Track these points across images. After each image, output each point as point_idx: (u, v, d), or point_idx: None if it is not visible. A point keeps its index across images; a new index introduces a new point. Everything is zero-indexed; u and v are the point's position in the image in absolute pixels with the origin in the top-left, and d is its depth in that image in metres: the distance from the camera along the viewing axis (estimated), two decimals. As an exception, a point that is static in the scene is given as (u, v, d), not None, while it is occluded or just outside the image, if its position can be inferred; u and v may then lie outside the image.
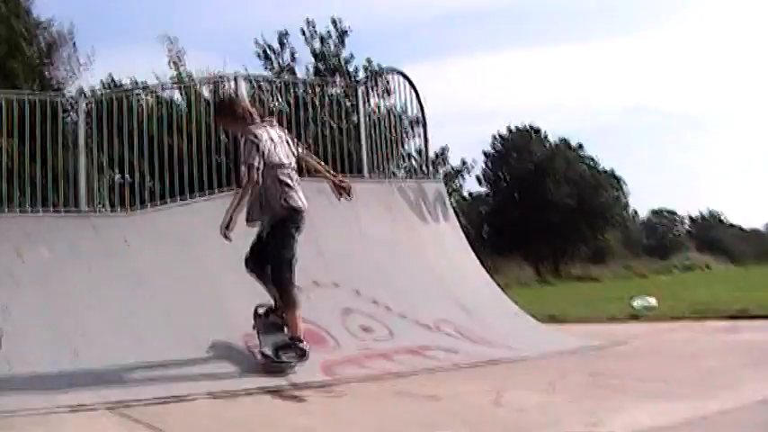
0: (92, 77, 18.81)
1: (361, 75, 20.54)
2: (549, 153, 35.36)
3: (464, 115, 58.39)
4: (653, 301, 10.34)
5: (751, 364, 5.12)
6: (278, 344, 4.86)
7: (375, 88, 9.56)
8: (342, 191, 5.28)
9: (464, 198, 31.59)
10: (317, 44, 22.40)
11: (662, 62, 77.01)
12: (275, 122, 5.19)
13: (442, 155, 25.04)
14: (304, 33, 22.34)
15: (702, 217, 54.39)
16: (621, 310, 9.98)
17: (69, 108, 8.56)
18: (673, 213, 53.03)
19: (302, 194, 4.92)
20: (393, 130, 8.45)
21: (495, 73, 68.64)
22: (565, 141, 36.41)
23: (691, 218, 54.19)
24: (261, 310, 5.05)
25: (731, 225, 53.76)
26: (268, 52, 22.16)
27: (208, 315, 5.33)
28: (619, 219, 37.77)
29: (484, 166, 35.41)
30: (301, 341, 4.83)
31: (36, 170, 6.95)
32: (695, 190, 78.78)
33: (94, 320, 5.06)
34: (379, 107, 9.46)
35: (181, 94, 10.53)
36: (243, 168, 4.81)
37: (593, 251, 36.19)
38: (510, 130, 36.47)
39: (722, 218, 54.82)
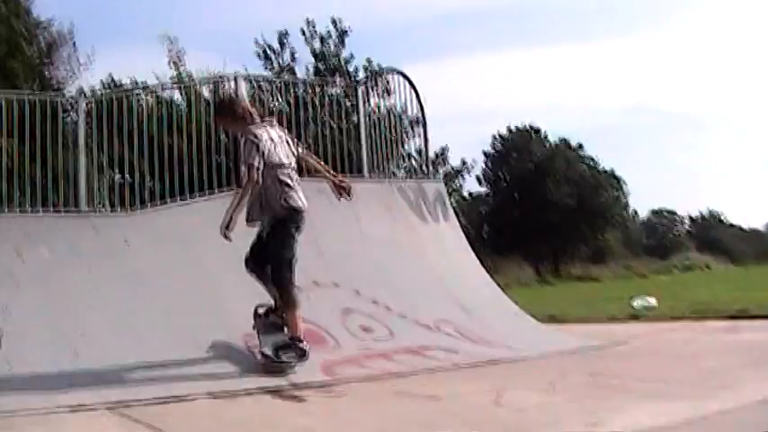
0: (92, 77, 18.79)
1: (361, 75, 20.55)
2: (549, 153, 35.39)
3: (464, 115, 58.36)
4: (653, 301, 10.34)
5: (751, 364, 5.12)
6: (278, 344, 4.86)
7: (375, 88, 9.55)
8: (342, 191, 5.28)
9: (464, 198, 31.62)
10: (316, 44, 22.45)
11: (662, 62, 77.07)
12: (275, 122, 5.19)
13: (442, 155, 25.07)
14: (304, 33, 22.40)
15: (702, 217, 54.42)
16: (621, 310, 9.98)
17: (69, 108, 8.55)
18: (673, 213, 53.10)
19: (302, 194, 4.92)
20: (393, 130, 8.44)
21: (495, 73, 68.71)
22: (565, 141, 36.46)
23: (691, 218, 54.29)
24: (261, 310, 5.05)
25: (731, 225, 53.78)
26: (268, 52, 22.21)
27: (208, 315, 5.33)
28: (619, 219, 37.80)
29: (484, 166, 35.56)
30: (301, 341, 4.83)
31: (36, 170, 6.95)
32: (695, 190, 78.99)
33: (94, 320, 5.06)
34: (379, 107, 9.44)
35: (181, 94, 10.55)
36: (243, 168, 4.82)
37: (593, 251, 36.22)
38: (510, 130, 36.54)
39: (722, 218, 54.92)
